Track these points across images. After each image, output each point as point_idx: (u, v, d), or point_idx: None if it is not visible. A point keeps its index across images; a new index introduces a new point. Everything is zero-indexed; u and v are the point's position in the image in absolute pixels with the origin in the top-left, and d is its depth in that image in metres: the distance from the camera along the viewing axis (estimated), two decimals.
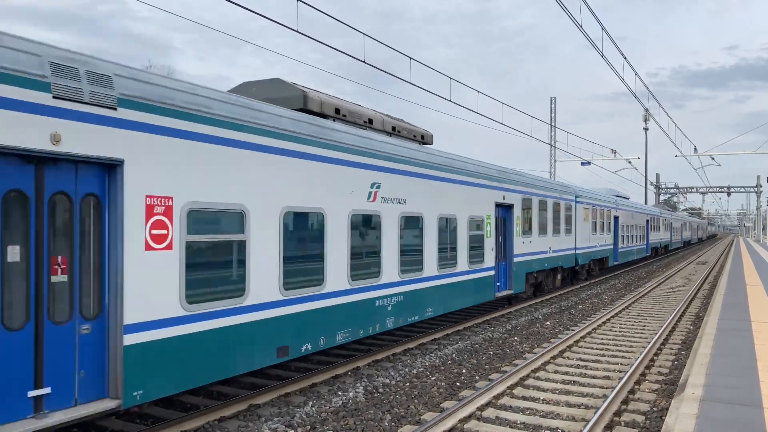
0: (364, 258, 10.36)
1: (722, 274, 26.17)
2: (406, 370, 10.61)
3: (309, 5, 10.17)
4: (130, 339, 6.44)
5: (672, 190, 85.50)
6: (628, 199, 37.51)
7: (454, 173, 13.64)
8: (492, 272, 15.53)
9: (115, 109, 6.35)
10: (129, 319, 6.42)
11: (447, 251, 13.20)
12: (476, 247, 14.59)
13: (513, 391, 9.36)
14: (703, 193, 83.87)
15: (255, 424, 7.73)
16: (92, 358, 6.28)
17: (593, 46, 17.64)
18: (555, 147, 49.12)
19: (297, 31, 10.62)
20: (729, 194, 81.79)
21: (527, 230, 17.91)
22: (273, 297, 8.32)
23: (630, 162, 52.21)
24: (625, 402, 8.80)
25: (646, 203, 59.87)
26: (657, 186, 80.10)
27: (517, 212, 17.10)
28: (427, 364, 11.10)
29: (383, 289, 10.92)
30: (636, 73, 25.42)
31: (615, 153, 49.03)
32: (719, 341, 10.55)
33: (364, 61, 12.45)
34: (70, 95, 5.94)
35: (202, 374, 7.32)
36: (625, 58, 22.49)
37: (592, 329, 14.70)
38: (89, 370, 6.24)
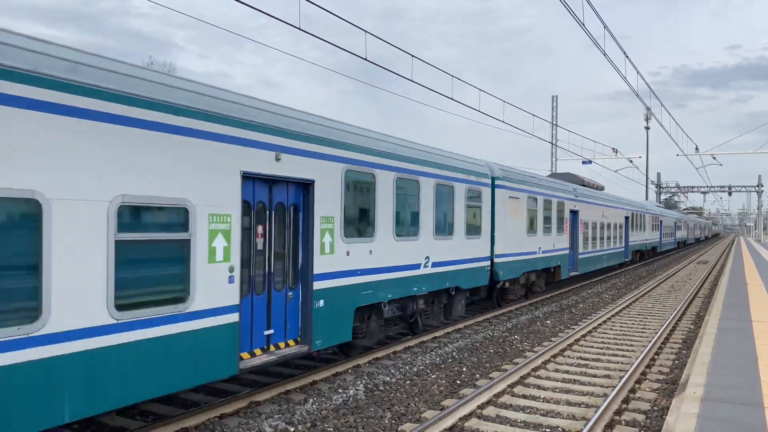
0: (601, 239, 26.41)
1: (723, 273, 26.16)
2: (407, 368, 10.61)
3: (310, 2, 10.15)
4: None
5: (673, 189, 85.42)
6: (664, 207, 60.14)
7: (614, 202, 29.67)
8: (622, 249, 31.56)
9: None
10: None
11: (611, 237, 28.64)
12: (618, 236, 30.30)
13: (513, 389, 9.35)
14: (704, 193, 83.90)
15: (255, 421, 7.73)
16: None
17: (595, 45, 17.61)
18: (556, 145, 49.08)
19: (298, 28, 10.60)
20: (730, 194, 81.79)
21: (633, 229, 34.48)
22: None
23: (631, 161, 52.17)
24: (626, 401, 8.79)
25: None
26: (658, 185, 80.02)
27: (630, 221, 33.78)
28: (427, 362, 11.09)
29: (603, 251, 26.89)
30: (638, 72, 25.38)
31: (616, 152, 48.97)
32: (720, 341, 10.54)
33: (365, 59, 12.43)
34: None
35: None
36: (627, 56, 22.45)
37: (593, 328, 14.69)
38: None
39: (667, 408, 8.25)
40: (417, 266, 11.86)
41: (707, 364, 8.82)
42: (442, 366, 10.90)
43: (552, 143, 49.32)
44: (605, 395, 9.08)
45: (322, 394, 8.93)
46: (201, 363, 7.08)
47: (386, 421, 7.90)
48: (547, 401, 8.89)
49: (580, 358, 11.73)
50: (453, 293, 13.77)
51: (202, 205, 7.13)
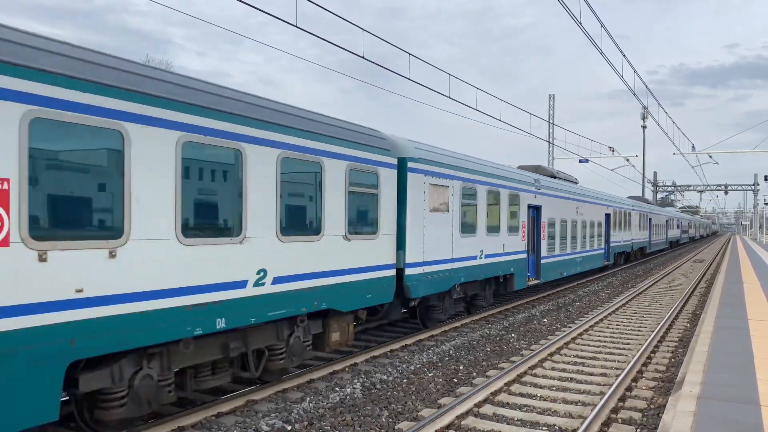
0: (656, 234, 46.69)
1: (719, 272, 26.23)
2: (404, 366, 10.61)
3: (309, 0, 10.13)
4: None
5: (669, 188, 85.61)
6: (680, 210, 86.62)
7: (663, 212, 51.53)
8: (665, 239, 50.40)
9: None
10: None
11: (660, 233, 47.78)
12: (663, 232, 49.91)
13: (510, 388, 9.37)
14: (701, 191, 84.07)
15: (252, 419, 7.73)
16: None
17: (593, 44, 17.63)
18: (553, 144, 49.14)
19: (296, 27, 10.58)
20: (726, 192, 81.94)
21: (669, 227, 53.29)
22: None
23: (628, 160, 52.30)
24: (623, 399, 8.81)
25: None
26: (654, 184, 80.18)
27: (668, 222, 52.40)
28: (424, 360, 11.10)
29: (658, 241, 47.37)
30: (635, 71, 25.42)
31: (613, 151, 49.07)
32: (716, 339, 10.57)
33: (363, 57, 12.42)
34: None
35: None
36: (624, 55, 22.49)
37: (590, 326, 14.72)
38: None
39: (664, 406, 8.27)
40: (621, 241, 31.18)
41: (704, 363, 8.84)
42: (439, 364, 10.91)
43: (549, 142, 49.38)
44: (602, 393, 9.10)
45: (319, 393, 8.93)
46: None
47: (383, 420, 7.91)
48: (544, 399, 8.91)
49: (577, 356, 11.75)
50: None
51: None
